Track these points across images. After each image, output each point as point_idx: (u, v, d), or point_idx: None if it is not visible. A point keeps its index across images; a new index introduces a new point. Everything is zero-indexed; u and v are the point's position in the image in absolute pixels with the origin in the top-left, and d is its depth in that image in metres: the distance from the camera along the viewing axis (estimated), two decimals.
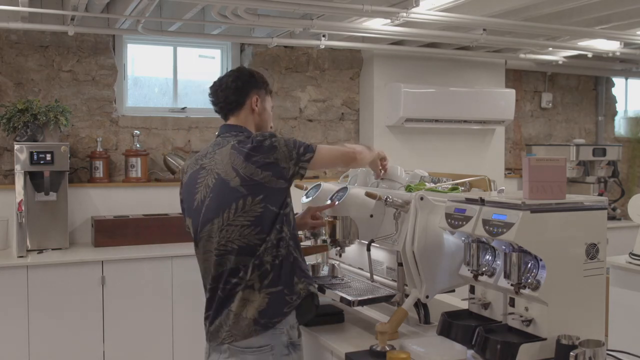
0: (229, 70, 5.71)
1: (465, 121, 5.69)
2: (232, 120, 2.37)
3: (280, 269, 2.16)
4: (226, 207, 2.13)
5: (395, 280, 2.48)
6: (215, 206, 2.16)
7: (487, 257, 2.10)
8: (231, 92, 2.35)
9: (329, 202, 2.62)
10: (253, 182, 2.12)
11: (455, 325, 2.11)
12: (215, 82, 2.42)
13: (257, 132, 2.36)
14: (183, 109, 5.21)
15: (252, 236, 2.13)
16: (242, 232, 2.12)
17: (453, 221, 2.11)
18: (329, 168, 2.50)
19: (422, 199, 2.30)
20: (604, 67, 6.48)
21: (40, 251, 4.26)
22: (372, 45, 5.27)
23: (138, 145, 4.81)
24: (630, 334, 3.46)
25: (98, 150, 4.73)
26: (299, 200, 2.81)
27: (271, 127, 2.46)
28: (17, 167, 4.17)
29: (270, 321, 2.13)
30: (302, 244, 2.86)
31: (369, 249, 2.39)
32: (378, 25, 4.46)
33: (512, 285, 1.96)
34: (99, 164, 4.72)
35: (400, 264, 2.39)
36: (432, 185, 2.63)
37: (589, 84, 6.95)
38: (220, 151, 2.25)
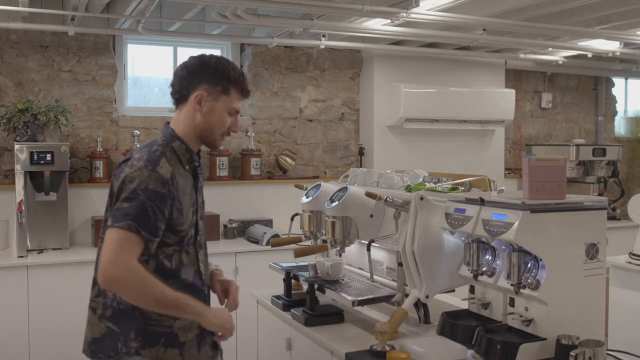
0: None
1: (465, 121, 5.69)
2: (175, 115, 2.06)
3: (121, 314, 1.92)
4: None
5: (395, 280, 2.48)
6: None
7: (487, 257, 2.11)
8: (177, 80, 2.02)
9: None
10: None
11: (455, 325, 2.12)
12: None
13: (200, 137, 2.02)
14: None
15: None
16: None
17: (453, 221, 2.12)
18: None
19: (422, 199, 2.30)
20: (604, 67, 6.48)
21: (40, 251, 4.26)
22: (372, 45, 5.27)
23: (138, 145, 4.80)
24: (630, 334, 3.46)
25: (98, 150, 4.72)
26: (299, 200, 2.81)
27: (227, 135, 2.07)
28: (17, 167, 4.17)
29: (98, 354, 2.04)
30: (301, 243, 2.87)
31: (369, 249, 2.39)
32: (378, 25, 4.46)
33: (512, 285, 1.96)
34: (99, 164, 4.72)
35: (400, 264, 2.39)
36: (432, 185, 2.63)
37: (589, 84, 6.95)
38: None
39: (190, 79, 2.00)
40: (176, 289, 1.90)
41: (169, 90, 2.06)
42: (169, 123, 2.06)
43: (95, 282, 1.97)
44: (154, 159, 1.91)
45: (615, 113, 7.15)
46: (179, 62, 5.15)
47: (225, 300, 2.12)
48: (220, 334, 2.00)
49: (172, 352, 1.93)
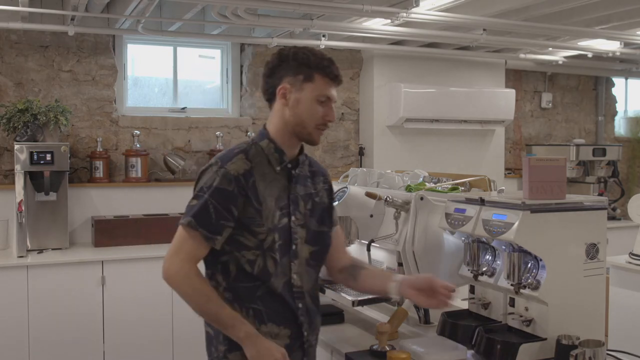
0: (228, 70, 5.70)
1: (465, 121, 5.69)
2: (269, 116, 1.98)
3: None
4: None
5: None
6: None
7: (487, 257, 2.11)
8: (263, 80, 1.96)
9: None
10: None
11: (455, 325, 2.12)
12: None
13: (295, 134, 1.91)
14: (183, 109, 5.20)
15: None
16: None
17: (453, 221, 2.12)
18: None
19: (422, 199, 2.30)
20: (604, 67, 6.48)
21: (40, 251, 4.26)
22: (372, 45, 5.27)
23: (138, 145, 4.80)
24: (630, 334, 3.46)
25: (98, 150, 4.72)
26: None
27: (324, 127, 1.92)
28: (17, 167, 4.17)
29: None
30: None
31: (369, 249, 2.39)
32: (378, 25, 4.46)
33: (512, 285, 1.96)
34: (99, 164, 4.71)
35: (400, 264, 2.39)
36: (432, 185, 2.63)
37: (589, 84, 6.95)
38: None
39: (273, 76, 1.92)
40: (262, 294, 1.86)
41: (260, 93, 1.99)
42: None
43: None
44: (229, 155, 1.87)
45: (615, 113, 7.15)
46: (179, 62, 5.23)
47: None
48: None
49: None
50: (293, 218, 1.91)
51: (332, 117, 1.94)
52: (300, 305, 1.92)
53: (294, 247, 1.91)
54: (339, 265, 2.12)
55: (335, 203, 2.49)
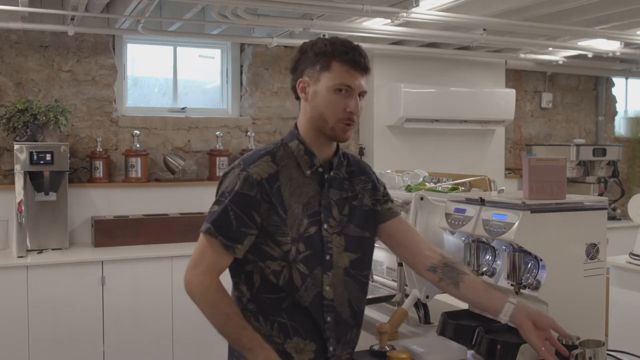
0: (228, 70, 5.70)
1: (465, 121, 5.69)
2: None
3: None
4: None
5: (395, 280, 2.48)
6: None
7: (487, 257, 2.11)
8: (291, 79, 1.86)
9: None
10: None
11: (455, 325, 2.11)
12: None
13: (321, 131, 1.77)
14: (183, 109, 5.20)
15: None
16: None
17: (453, 221, 2.11)
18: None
19: (422, 199, 2.30)
20: (604, 67, 6.48)
21: (40, 251, 4.26)
22: (372, 45, 5.27)
23: (138, 145, 4.80)
24: (630, 334, 3.46)
25: (98, 150, 4.72)
26: None
27: (349, 120, 1.74)
28: (17, 167, 4.17)
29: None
30: None
31: None
32: (378, 25, 4.46)
33: (512, 285, 1.96)
34: (99, 164, 4.71)
35: (400, 264, 2.39)
36: (432, 185, 2.63)
37: (589, 84, 6.95)
38: None
39: (296, 71, 1.81)
40: (287, 306, 1.74)
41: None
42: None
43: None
44: (253, 157, 1.74)
45: (615, 113, 7.15)
46: (179, 62, 5.22)
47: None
48: None
49: None
50: (325, 226, 1.77)
51: (355, 108, 1.75)
52: (328, 319, 1.78)
53: (327, 257, 1.77)
54: (427, 262, 1.92)
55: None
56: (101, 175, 4.72)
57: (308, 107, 1.79)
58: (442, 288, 1.96)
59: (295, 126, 1.83)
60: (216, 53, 5.38)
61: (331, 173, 1.82)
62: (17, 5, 3.99)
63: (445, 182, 2.65)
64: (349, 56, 1.74)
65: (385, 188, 1.98)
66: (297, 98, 1.84)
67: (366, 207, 1.88)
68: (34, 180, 4.27)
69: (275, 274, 1.73)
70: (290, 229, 1.72)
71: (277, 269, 1.73)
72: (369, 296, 2.40)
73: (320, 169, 1.80)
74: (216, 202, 1.73)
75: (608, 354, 2.04)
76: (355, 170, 1.90)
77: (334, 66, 1.74)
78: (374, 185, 1.93)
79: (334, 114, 1.74)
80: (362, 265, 1.86)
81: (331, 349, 1.80)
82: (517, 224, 1.87)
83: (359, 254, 1.85)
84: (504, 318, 1.83)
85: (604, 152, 6.14)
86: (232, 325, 1.69)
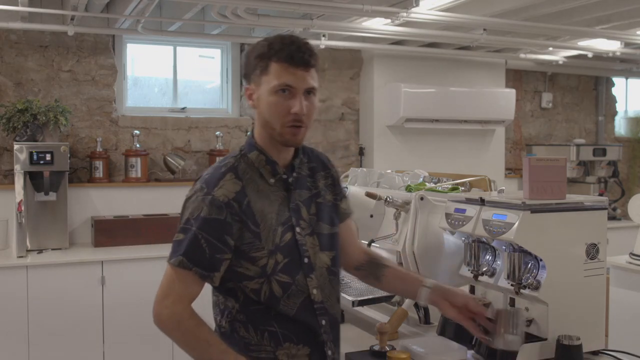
0: (228, 70, 5.69)
1: (465, 121, 5.68)
2: None
3: (221, 337, 1.70)
4: None
5: None
6: None
7: (487, 257, 2.10)
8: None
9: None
10: None
11: (455, 325, 2.11)
12: None
13: (273, 137, 1.70)
14: (183, 109, 5.20)
15: None
16: None
17: (453, 221, 2.11)
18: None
19: (422, 199, 2.30)
20: (604, 67, 6.48)
21: (40, 251, 4.26)
22: (372, 45, 5.27)
23: (138, 145, 4.80)
24: (630, 334, 3.45)
25: (98, 150, 4.72)
26: None
27: (293, 122, 1.65)
28: (17, 167, 4.17)
29: None
30: None
31: None
32: (378, 25, 4.46)
33: (512, 285, 1.96)
34: (99, 164, 4.71)
35: (400, 264, 2.39)
36: (432, 185, 2.63)
37: (589, 84, 6.95)
38: None
39: (245, 79, 1.74)
40: (276, 315, 1.68)
41: None
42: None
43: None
44: (215, 177, 1.65)
45: (615, 113, 7.15)
46: (179, 62, 5.22)
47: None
48: None
49: None
50: (298, 229, 1.72)
51: (300, 108, 1.63)
52: (323, 322, 1.73)
53: (306, 260, 1.71)
54: (355, 261, 1.97)
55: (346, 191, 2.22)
56: (101, 175, 4.72)
57: (257, 115, 1.72)
58: (368, 283, 2.05)
59: (252, 135, 1.77)
60: (216, 53, 5.38)
61: (294, 174, 1.76)
62: (17, 5, 3.99)
63: (445, 182, 2.65)
64: (285, 53, 1.62)
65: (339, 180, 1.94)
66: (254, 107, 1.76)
67: (329, 203, 1.84)
68: (34, 180, 4.27)
69: (255, 292, 1.67)
70: (266, 241, 1.66)
71: (256, 287, 1.67)
72: (369, 296, 2.41)
73: (284, 176, 1.74)
74: (181, 230, 1.64)
75: (608, 354, 2.04)
76: (316, 166, 1.85)
77: (271, 67, 1.63)
78: (333, 180, 1.88)
79: (278, 118, 1.65)
80: (338, 262, 1.83)
81: (329, 352, 1.76)
82: (517, 224, 1.87)
83: (335, 250, 1.81)
84: (421, 301, 1.95)
85: (604, 152, 6.14)
86: (214, 351, 1.62)
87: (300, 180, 1.78)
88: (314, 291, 1.72)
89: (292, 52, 1.63)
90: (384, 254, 2.57)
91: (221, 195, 1.62)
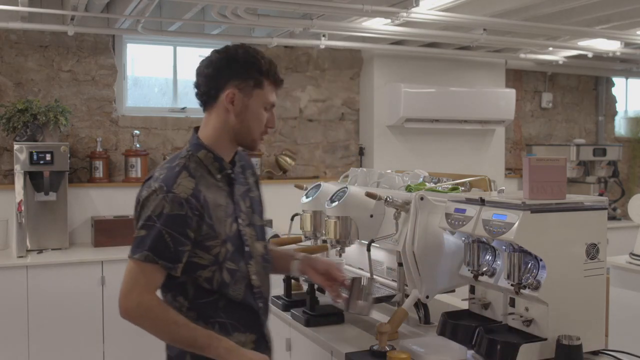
0: None
1: (465, 121, 5.68)
2: (204, 118, 1.91)
3: None
4: None
5: (395, 280, 2.48)
6: None
7: (487, 257, 2.10)
8: (202, 79, 1.85)
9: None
10: None
11: (455, 325, 2.11)
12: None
13: (237, 140, 1.87)
14: (183, 109, 5.20)
15: None
16: None
17: (453, 221, 2.11)
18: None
19: (422, 199, 2.30)
20: (604, 67, 6.48)
21: (40, 251, 4.26)
22: (372, 45, 5.27)
23: (138, 145, 4.80)
24: (630, 334, 3.46)
25: (98, 150, 4.72)
26: (299, 200, 2.81)
27: (266, 133, 1.90)
28: (17, 167, 4.17)
29: None
30: (301, 244, 2.87)
31: (369, 249, 2.39)
32: (378, 25, 4.46)
33: (512, 285, 1.96)
34: (99, 164, 4.71)
35: (400, 264, 2.39)
36: (432, 185, 2.63)
37: (589, 84, 6.95)
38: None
39: (218, 77, 1.81)
40: (224, 305, 1.82)
41: (195, 91, 1.88)
42: (198, 128, 1.90)
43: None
44: (171, 176, 1.77)
45: (615, 113, 7.15)
46: (179, 62, 5.22)
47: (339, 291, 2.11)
48: None
49: None
50: (240, 220, 1.87)
51: (274, 123, 1.91)
52: (261, 304, 1.91)
53: (247, 248, 1.87)
54: None
55: (335, 203, 2.47)
56: (101, 175, 4.72)
57: (232, 118, 1.83)
58: None
59: (197, 135, 1.88)
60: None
61: (235, 169, 1.92)
62: (17, 5, 3.98)
63: (445, 182, 2.65)
64: (276, 77, 1.86)
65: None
66: (206, 102, 1.86)
67: (257, 198, 2.03)
68: (34, 180, 4.27)
69: (208, 280, 1.79)
70: (219, 232, 1.79)
71: (208, 276, 1.79)
72: None
73: (229, 171, 1.89)
74: (143, 227, 1.73)
75: (608, 354, 2.04)
76: (245, 164, 2.02)
77: (265, 85, 1.83)
78: (256, 178, 2.07)
79: (260, 128, 1.86)
80: (269, 250, 2.01)
81: (266, 332, 1.95)
82: (517, 224, 1.87)
83: (265, 241, 1.98)
84: (293, 273, 2.18)
85: (604, 152, 6.14)
86: (184, 330, 1.72)
87: (237, 176, 1.95)
88: (253, 277, 1.89)
89: (277, 75, 1.87)
90: (383, 253, 2.58)
91: (181, 192, 1.74)
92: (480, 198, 2.06)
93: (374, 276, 2.51)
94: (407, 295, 2.36)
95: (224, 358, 1.72)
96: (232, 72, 1.81)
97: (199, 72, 1.86)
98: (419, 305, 2.41)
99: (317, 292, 2.61)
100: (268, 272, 1.99)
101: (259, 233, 1.95)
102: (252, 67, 1.81)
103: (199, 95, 1.89)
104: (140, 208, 1.77)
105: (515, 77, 6.45)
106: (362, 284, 2.17)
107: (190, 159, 1.83)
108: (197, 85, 1.88)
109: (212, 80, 1.83)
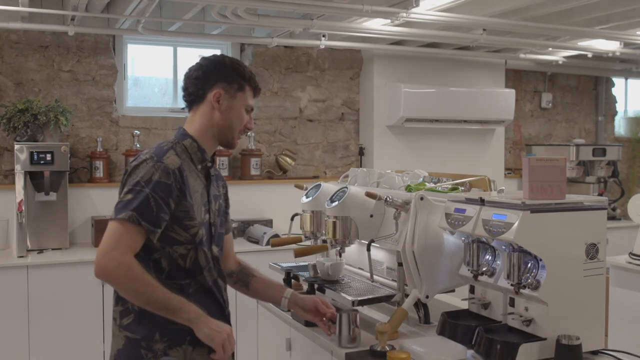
0: None
1: (465, 121, 5.69)
2: (189, 117, 2.06)
3: (142, 316, 1.89)
4: None
5: (395, 280, 2.48)
6: None
7: (487, 257, 2.11)
8: (191, 81, 2.02)
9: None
10: None
11: (455, 325, 2.12)
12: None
13: (219, 136, 2.04)
14: (183, 109, 5.18)
15: None
16: None
17: (453, 221, 2.12)
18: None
19: (422, 199, 2.30)
20: (604, 67, 6.48)
21: (40, 251, 4.26)
22: (372, 45, 5.27)
23: (138, 145, 4.80)
24: (630, 334, 3.46)
25: (98, 150, 4.72)
26: (299, 200, 2.81)
27: (244, 133, 2.10)
28: (17, 167, 4.17)
29: None
30: (301, 243, 2.87)
31: (369, 249, 2.39)
32: (378, 25, 4.46)
33: (512, 285, 1.96)
34: (99, 164, 4.72)
35: (400, 264, 2.39)
36: (432, 185, 2.63)
37: (589, 84, 6.95)
38: None
39: (206, 79, 2.01)
40: (194, 291, 1.94)
41: (182, 93, 2.06)
42: (180, 127, 2.07)
43: (115, 291, 1.95)
44: (162, 151, 1.92)
45: (615, 113, 7.16)
46: (179, 62, 5.23)
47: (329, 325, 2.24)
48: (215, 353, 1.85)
49: (200, 352, 1.91)
50: (211, 213, 2.02)
51: (252, 125, 2.12)
52: (225, 298, 2.07)
53: (214, 234, 2.04)
54: (228, 269, 2.24)
55: (335, 203, 2.48)
56: (101, 175, 4.72)
57: (217, 115, 2.02)
58: (237, 289, 2.31)
59: (183, 128, 2.04)
60: (216, 53, 5.38)
61: (215, 166, 2.10)
62: (17, 5, 3.99)
63: (445, 182, 2.65)
64: (256, 84, 2.09)
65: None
66: (193, 101, 2.04)
67: (223, 209, 2.17)
68: (34, 180, 4.27)
69: (182, 257, 1.92)
70: (197, 214, 1.93)
71: (183, 252, 1.92)
72: (369, 296, 2.41)
73: (209, 164, 2.05)
74: (130, 191, 1.85)
75: (608, 354, 2.04)
76: (218, 175, 2.17)
77: (247, 90, 2.05)
78: (227, 193, 2.22)
79: (239, 127, 2.06)
80: (222, 253, 2.12)
81: (231, 325, 2.03)
82: (517, 224, 1.87)
83: (219, 247, 2.08)
84: (282, 309, 2.36)
85: (603, 152, 6.14)
86: (159, 292, 1.81)
87: (214, 177, 2.10)
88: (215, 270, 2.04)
89: (258, 85, 2.10)
90: (383, 253, 2.58)
91: (170, 163, 1.89)
92: (480, 198, 2.06)
93: (374, 276, 2.52)
94: (407, 295, 2.36)
95: (194, 322, 1.83)
96: (219, 75, 2.01)
97: (189, 75, 2.05)
98: (419, 305, 2.41)
99: (317, 292, 2.61)
100: (221, 272, 2.10)
101: (218, 238, 2.08)
102: (237, 72, 2.04)
103: (186, 96, 2.06)
104: (128, 176, 1.90)
105: (515, 77, 6.45)
106: (349, 317, 2.21)
107: (176, 144, 1.98)
108: (185, 87, 2.06)
109: (201, 81, 2.02)
